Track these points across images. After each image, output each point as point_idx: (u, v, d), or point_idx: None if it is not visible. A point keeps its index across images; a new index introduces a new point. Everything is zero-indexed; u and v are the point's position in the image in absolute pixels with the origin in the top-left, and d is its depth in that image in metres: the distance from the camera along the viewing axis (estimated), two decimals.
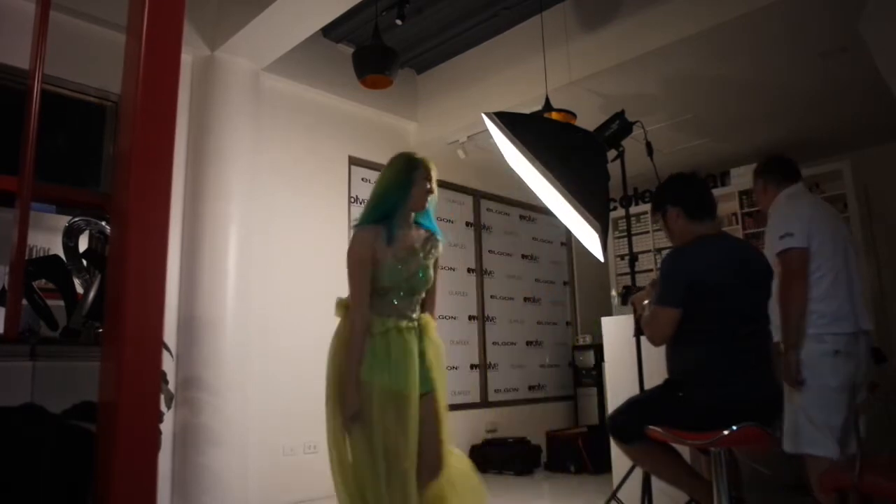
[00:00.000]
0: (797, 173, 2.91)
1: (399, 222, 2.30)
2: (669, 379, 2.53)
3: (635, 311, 2.81)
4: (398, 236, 2.29)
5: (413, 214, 2.37)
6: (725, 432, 2.17)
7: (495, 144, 3.19)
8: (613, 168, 3.04)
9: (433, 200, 2.39)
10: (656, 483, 2.88)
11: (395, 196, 2.31)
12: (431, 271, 2.37)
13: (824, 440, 2.47)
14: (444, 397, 2.31)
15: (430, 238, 2.40)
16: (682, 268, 2.39)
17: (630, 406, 2.53)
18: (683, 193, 2.56)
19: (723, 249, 2.50)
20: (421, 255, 2.34)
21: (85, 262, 1.87)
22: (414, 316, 2.32)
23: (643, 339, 2.92)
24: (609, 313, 4.91)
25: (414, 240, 2.35)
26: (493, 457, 5.34)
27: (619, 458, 3.47)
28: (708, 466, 2.44)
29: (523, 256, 6.66)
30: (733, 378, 2.34)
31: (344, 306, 2.31)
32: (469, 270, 6.07)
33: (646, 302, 2.65)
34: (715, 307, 2.36)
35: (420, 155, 2.40)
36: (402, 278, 2.27)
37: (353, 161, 5.27)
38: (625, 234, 5.58)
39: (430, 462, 2.21)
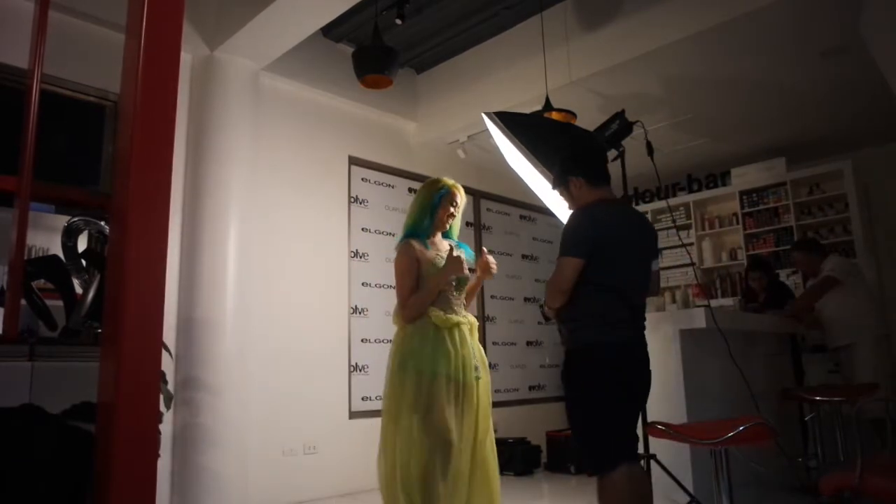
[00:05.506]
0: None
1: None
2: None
3: (548, 317, 2.85)
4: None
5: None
6: (731, 433, 2.17)
7: (495, 144, 3.19)
8: (613, 168, 3.03)
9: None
10: (656, 483, 2.88)
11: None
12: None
13: None
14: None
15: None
16: (589, 222, 2.41)
17: (581, 439, 2.46)
18: (585, 163, 2.61)
19: (625, 213, 2.60)
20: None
21: (84, 262, 1.87)
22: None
23: None
24: None
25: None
26: None
27: None
28: None
29: (523, 256, 6.65)
30: (622, 326, 2.39)
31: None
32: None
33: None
34: (613, 266, 2.38)
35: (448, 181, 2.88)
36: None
37: (353, 161, 5.27)
38: None
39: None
